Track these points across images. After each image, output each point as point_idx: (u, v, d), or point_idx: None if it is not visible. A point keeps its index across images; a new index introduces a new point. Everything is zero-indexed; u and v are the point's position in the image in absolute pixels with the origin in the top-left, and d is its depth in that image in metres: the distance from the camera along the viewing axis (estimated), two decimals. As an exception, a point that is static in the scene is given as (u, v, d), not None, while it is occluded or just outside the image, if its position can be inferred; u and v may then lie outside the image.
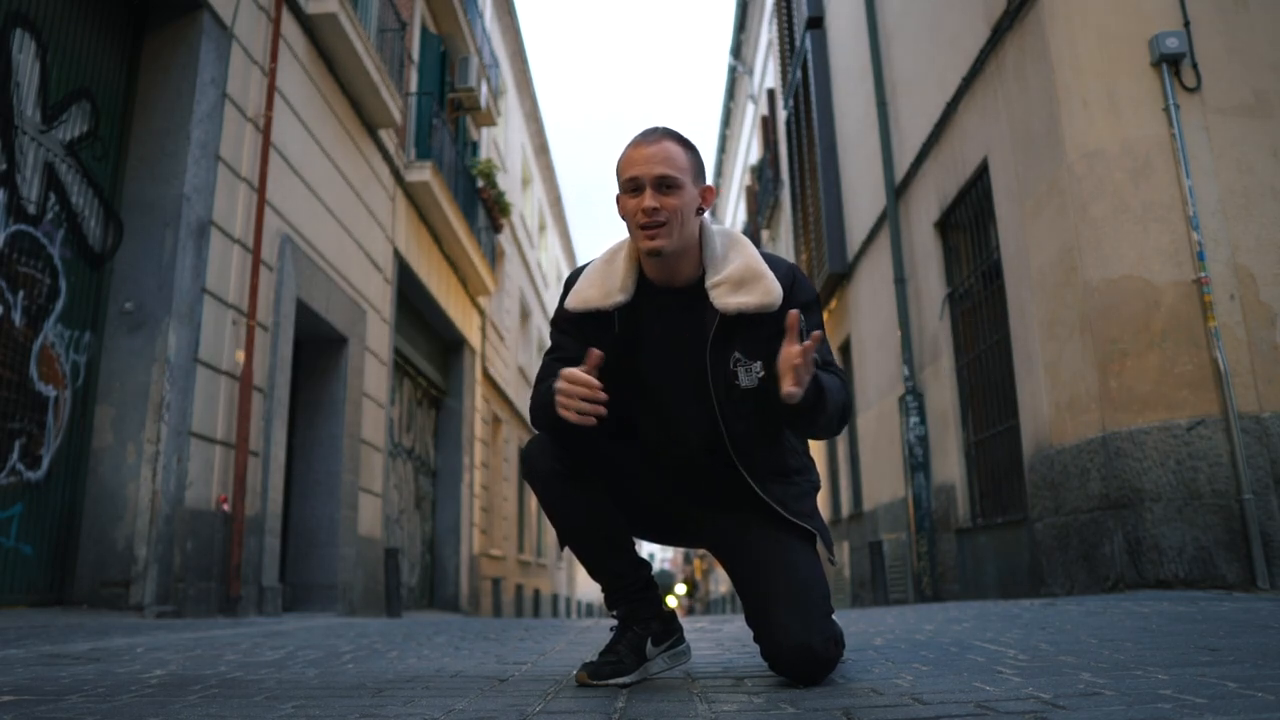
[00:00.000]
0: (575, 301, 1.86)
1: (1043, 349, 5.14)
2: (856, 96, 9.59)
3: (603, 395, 1.65)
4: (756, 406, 1.81)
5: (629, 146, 1.81)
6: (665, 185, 1.75)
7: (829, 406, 1.73)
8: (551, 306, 21.86)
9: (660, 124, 1.87)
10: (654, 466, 1.94)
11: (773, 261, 1.85)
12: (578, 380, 1.64)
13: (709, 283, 1.81)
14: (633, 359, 1.86)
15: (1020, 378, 5.56)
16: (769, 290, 1.76)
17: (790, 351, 1.63)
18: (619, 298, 1.83)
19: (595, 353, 1.68)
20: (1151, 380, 4.40)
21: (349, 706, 1.61)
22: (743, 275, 1.79)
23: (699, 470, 1.91)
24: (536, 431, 1.89)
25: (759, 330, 1.78)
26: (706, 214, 1.88)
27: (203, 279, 5.30)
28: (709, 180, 1.89)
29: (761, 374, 1.78)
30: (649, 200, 1.74)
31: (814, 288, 1.89)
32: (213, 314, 5.41)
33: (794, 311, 1.65)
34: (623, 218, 1.84)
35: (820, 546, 1.88)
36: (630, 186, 1.78)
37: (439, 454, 11.86)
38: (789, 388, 1.61)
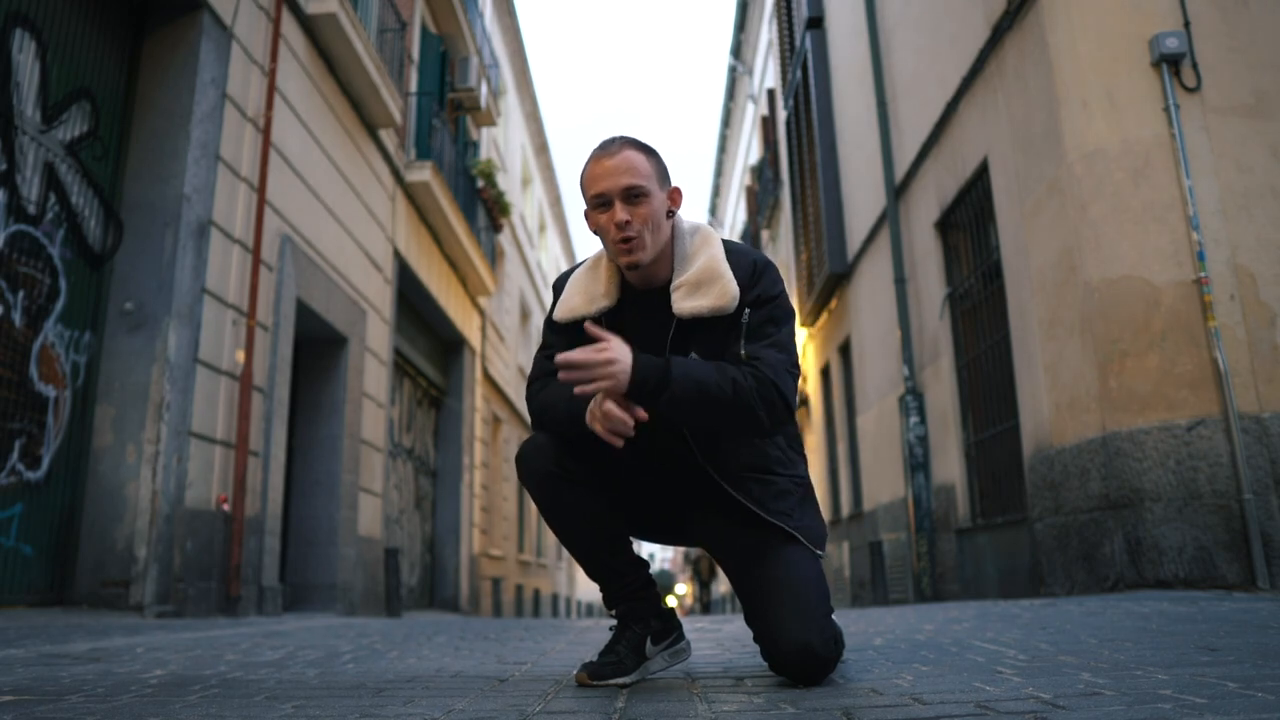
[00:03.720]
0: (563, 312, 1.89)
1: (1043, 349, 5.14)
2: (856, 96, 9.59)
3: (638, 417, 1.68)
4: None
5: (589, 162, 1.81)
6: (633, 196, 1.76)
7: (688, 392, 1.67)
8: (551, 306, 21.86)
9: (617, 134, 1.87)
10: (647, 467, 1.94)
11: (737, 258, 1.82)
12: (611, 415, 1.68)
13: (673, 285, 1.82)
14: None
15: (1020, 378, 5.56)
16: (724, 292, 1.76)
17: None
18: (604, 303, 1.86)
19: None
20: (1151, 380, 4.40)
21: (349, 706, 1.61)
22: (700, 277, 1.79)
23: (684, 472, 1.91)
24: (535, 431, 1.90)
25: (717, 333, 1.78)
26: (679, 213, 1.89)
27: (203, 279, 5.30)
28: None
29: None
30: (620, 214, 1.75)
31: (779, 284, 1.83)
32: (213, 314, 5.41)
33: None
34: (595, 233, 1.84)
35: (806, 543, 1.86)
36: (598, 202, 1.78)
37: (439, 454, 11.86)
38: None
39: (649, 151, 1.82)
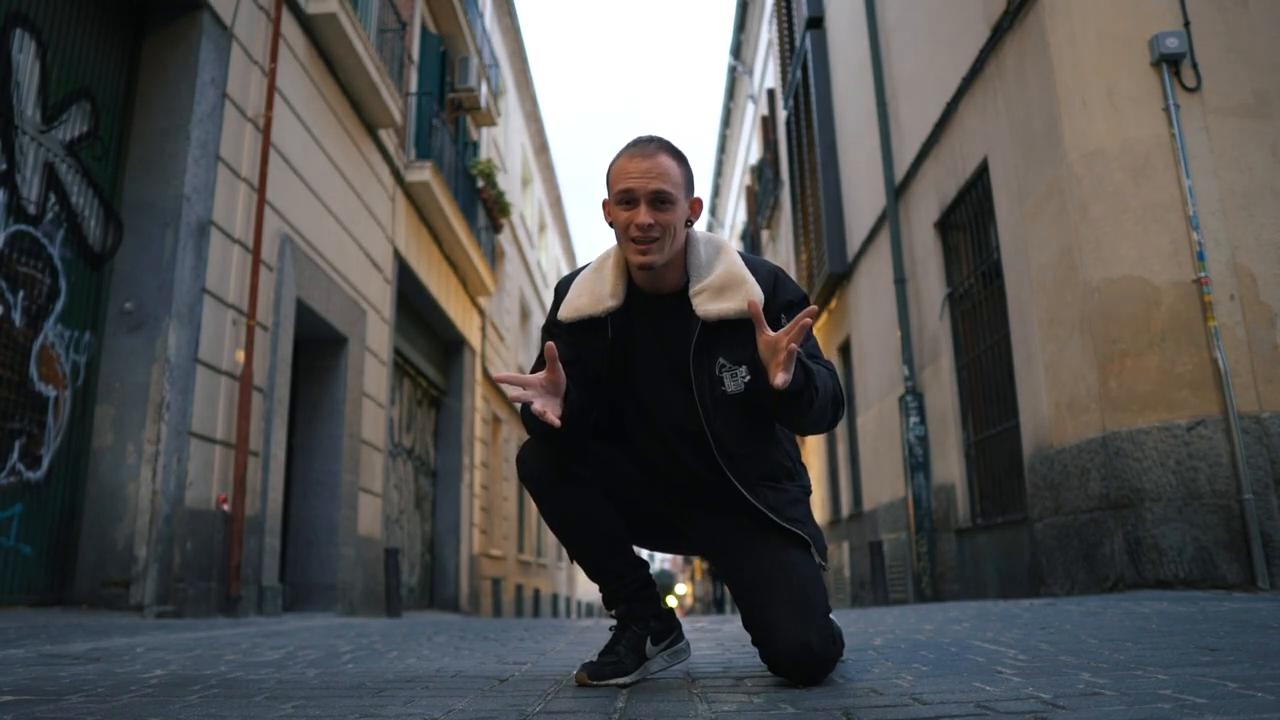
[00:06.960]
0: (568, 311, 1.87)
1: (1043, 349, 5.14)
2: (856, 96, 9.59)
3: (541, 378, 1.70)
4: (744, 412, 1.82)
5: (622, 156, 1.80)
6: (660, 201, 1.75)
7: (820, 394, 1.72)
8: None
9: (655, 134, 1.86)
10: (648, 470, 1.94)
11: (754, 266, 1.85)
12: (530, 384, 1.70)
13: (691, 290, 1.81)
14: (625, 366, 1.88)
15: (1020, 378, 5.56)
16: (749, 295, 1.77)
17: (768, 338, 1.62)
18: (611, 303, 1.85)
19: (549, 345, 1.71)
20: (1151, 380, 4.40)
21: (349, 706, 1.61)
22: (724, 282, 1.80)
23: (692, 475, 1.91)
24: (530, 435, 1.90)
25: (742, 336, 1.78)
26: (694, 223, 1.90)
27: (203, 279, 5.30)
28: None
29: (748, 379, 1.79)
30: (644, 216, 1.74)
31: (800, 288, 1.89)
32: (213, 314, 5.41)
33: (753, 300, 1.65)
34: (610, 225, 1.84)
35: (814, 552, 1.87)
36: (624, 198, 1.77)
37: (439, 454, 11.86)
38: (778, 375, 1.59)
39: (682, 160, 1.81)
